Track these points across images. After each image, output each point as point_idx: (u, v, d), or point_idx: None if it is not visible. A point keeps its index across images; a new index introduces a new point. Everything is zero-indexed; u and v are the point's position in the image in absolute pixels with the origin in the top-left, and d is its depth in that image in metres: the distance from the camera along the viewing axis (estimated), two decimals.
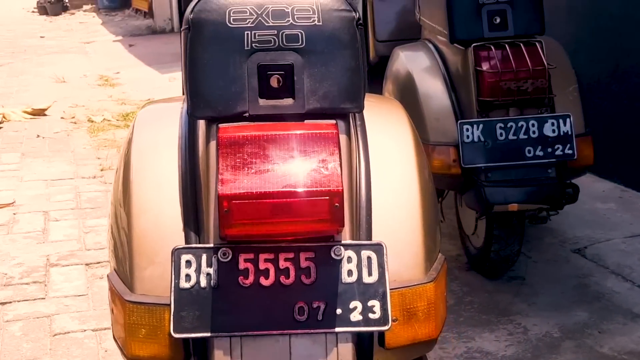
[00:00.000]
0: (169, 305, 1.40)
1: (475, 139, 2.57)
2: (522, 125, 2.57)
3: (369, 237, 1.49)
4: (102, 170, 4.60)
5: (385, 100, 1.96)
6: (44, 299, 2.95)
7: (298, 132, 1.40)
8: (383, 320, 1.42)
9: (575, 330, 2.59)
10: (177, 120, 1.64)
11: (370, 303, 1.42)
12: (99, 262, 3.26)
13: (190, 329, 1.39)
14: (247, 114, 1.45)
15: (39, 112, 6.20)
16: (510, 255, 2.84)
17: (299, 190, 1.34)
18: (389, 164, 1.62)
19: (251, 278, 1.41)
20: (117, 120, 5.94)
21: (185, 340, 1.44)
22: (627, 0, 3.86)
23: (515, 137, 2.57)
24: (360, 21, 1.53)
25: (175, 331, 1.39)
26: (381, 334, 1.46)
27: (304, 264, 1.42)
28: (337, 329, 1.41)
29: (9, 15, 14.92)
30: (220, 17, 1.46)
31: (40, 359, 2.53)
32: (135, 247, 1.50)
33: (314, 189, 1.34)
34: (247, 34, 1.45)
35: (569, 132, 2.57)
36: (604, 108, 4.02)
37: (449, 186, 2.80)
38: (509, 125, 2.57)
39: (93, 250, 3.41)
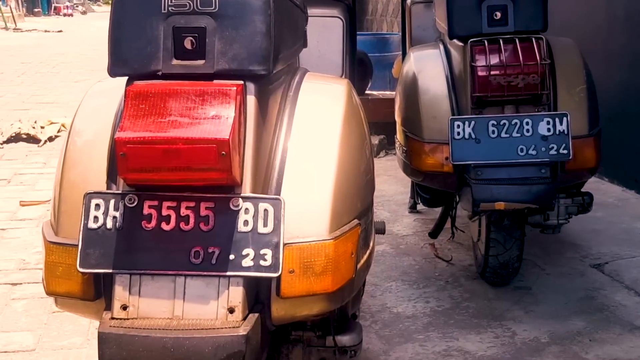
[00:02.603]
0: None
1: (466, 136, 2.72)
2: (515, 123, 2.71)
3: (278, 194, 1.72)
4: None
5: (335, 79, 2.18)
6: None
7: (200, 88, 1.65)
8: (274, 268, 1.63)
9: (565, 337, 2.69)
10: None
11: (262, 251, 1.64)
12: None
13: (94, 265, 1.64)
14: (160, 73, 1.71)
15: None
16: (509, 262, 2.96)
17: (188, 136, 1.58)
18: (313, 132, 1.85)
19: (153, 222, 1.65)
20: None
21: (97, 280, 1.70)
22: None
23: (508, 135, 2.71)
24: None
25: (81, 266, 1.65)
26: (278, 283, 1.68)
27: (203, 212, 1.66)
28: (229, 273, 1.63)
29: (100, 35, 15.83)
30: None
31: (34, 331, 2.84)
32: (63, 197, 1.79)
33: (202, 136, 1.58)
34: None
35: (565, 132, 2.68)
36: None
37: (443, 185, 2.95)
38: (502, 122, 2.71)
39: None
